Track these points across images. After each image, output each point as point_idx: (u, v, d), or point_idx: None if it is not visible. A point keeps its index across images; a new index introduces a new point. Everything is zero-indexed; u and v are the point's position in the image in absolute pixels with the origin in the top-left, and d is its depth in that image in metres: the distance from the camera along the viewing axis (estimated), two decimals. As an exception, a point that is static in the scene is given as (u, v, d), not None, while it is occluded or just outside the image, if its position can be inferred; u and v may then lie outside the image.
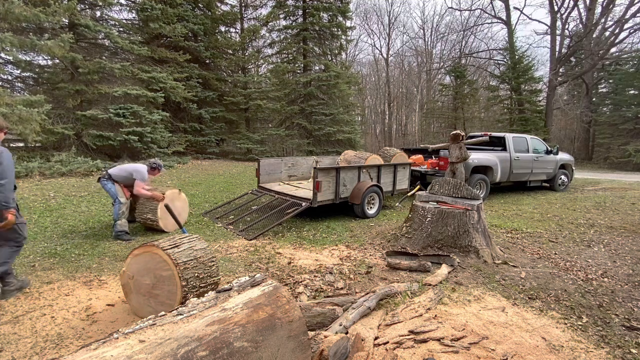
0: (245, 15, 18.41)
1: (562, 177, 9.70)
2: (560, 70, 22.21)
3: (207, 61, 15.89)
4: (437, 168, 7.88)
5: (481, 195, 7.37)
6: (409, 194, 7.26)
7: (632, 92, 18.55)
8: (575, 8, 21.02)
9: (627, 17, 18.99)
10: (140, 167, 4.88)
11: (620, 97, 18.67)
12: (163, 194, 4.94)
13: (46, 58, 10.77)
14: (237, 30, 18.47)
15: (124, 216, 4.73)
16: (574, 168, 10.16)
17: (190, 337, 1.40)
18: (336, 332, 2.32)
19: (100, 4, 11.27)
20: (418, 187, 7.41)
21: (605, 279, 3.65)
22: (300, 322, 1.82)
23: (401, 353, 2.20)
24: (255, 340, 1.57)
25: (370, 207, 6.19)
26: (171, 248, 2.59)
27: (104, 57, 10.90)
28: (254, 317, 1.65)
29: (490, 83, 24.62)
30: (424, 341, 2.33)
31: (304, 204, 5.41)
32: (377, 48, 41.02)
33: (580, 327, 2.70)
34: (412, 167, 7.52)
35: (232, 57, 17.00)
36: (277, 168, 7.00)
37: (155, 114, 11.61)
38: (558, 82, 21.39)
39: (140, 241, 4.60)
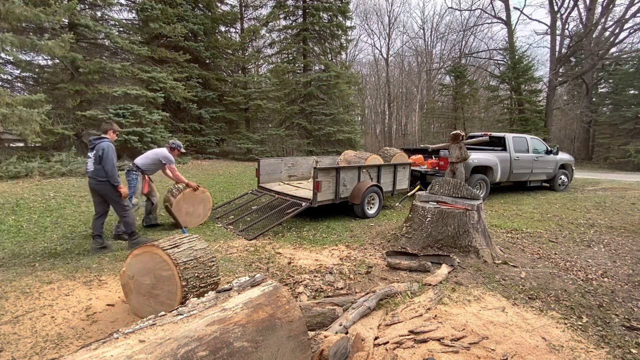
0: (245, 15, 18.42)
1: (562, 177, 9.70)
2: (560, 70, 22.20)
3: (207, 61, 15.89)
4: (437, 168, 7.88)
5: (481, 195, 7.37)
6: (409, 194, 7.26)
7: (632, 92, 18.54)
8: (575, 8, 21.03)
9: (627, 17, 18.99)
10: (163, 151, 5.09)
11: (620, 97, 18.66)
12: (196, 188, 5.23)
13: (46, 58, 10.79)
14: (237, 30, 18.48)
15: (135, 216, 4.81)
16: (574, 168, 10.16)
17: (190, 337, 1.40)
18: (336, 332, 2.32)
19: (100, 4, 11.29)
20: (418, 187, 7.41)
21: (605, 279, 3.65)
22: (300, 322, 1.82)
23: (401, 353, 2.20)
24: (255, 340, 1.57)
25: (370, 207, 6.19)
26: (171, 248, 2.59)
27: (104, 57, 10.91)
28: (254, 317, 1.65)
29: (490, 83, 24.60)
30: (424, 341, 2.33)
31: (304, 204, 5.41)
32: (377, 48, 41.05)
33: (580, 327, 2.70)
34: (412, 167, 7.52)
35: (232, 57, 17.00)
36: (277, 168, 7.00)
37: (155, 114, 11.61)
38: (558, 82, 21.39)
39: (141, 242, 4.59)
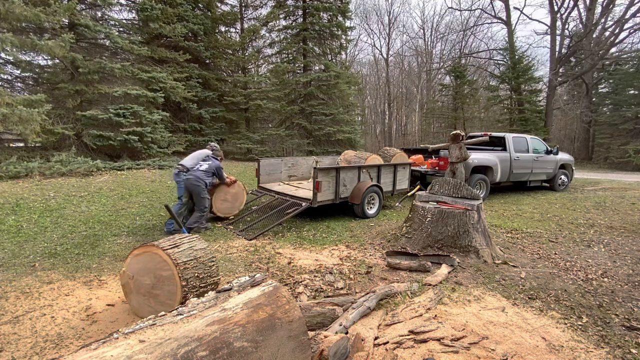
0: (245, 15, 18.39)
1: (562, 177, 9.69)
2: (560, 70, 22.19)
3: (207, 61, 15.87)
4: (437, 168, 7.88)
5: (481, 195, 7.37)
6: (409, 194, 7.26)
7: (632, 92, 18.51)
8: (575, 8, 21.01)
9: (627, 17, 18.98)
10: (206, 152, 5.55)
11: (620, 97, 18.64)
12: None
13: (46, 58, 10.77)
14: (237, 30, 18.46)
15: (182, 216, 5.01)
16: (574, 168, 10.16)
17: (190, 337, 1.40)
18: (336, 332, 2.32)
19: (100, 4, 11.27)
20: (418, 187, 7.41)
21: (605, 279, 3.65)
22: (300, 322, 1.82)
23: (401, 353, 2.20)
24: (255, 340, 1.57)
25: (370, 207, 6.18)
26: (171, 248, 2.59)
27: (104, 57, 10.88)
28: (254, 317, 1.65)
29: (490, 83, 24.56)
30: (424, 341, 2.33)
31: (304, 204, 5.41)
32: (377, 48, 41.01)
33: (580, 327, 2.70)
34: (412, 167, 7.52)
35: (232, 57, 16.99)
36: (277, 168, 7.00)
37: (155, 114, 11.60)
38: (558, 82, 21.37)
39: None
